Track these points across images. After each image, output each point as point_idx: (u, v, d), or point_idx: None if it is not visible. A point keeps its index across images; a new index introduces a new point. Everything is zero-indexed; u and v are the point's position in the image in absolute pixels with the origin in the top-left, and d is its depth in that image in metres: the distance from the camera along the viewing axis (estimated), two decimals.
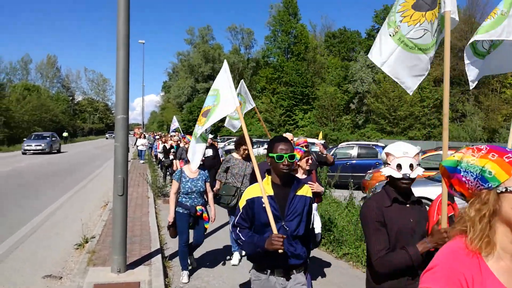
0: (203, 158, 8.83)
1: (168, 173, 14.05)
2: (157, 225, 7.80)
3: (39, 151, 27.84)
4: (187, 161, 8.84)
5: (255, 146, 26.33)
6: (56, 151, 30.58)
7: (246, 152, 5.85)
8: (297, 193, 2.61)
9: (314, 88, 53.29)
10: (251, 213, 2.60)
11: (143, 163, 20.97)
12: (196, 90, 66.81)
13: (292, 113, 52.59)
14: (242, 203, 2.64)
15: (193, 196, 5.00)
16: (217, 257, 6.07)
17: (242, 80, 7.38)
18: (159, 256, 5.71)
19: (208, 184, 5.23)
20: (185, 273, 5.12)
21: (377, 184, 10.24)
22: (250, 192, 2.65)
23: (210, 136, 10.93)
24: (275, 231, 2.48)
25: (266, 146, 17.99)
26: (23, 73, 78.68)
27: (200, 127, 4.00)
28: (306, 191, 2.68)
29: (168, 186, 11.99)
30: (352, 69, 48.90)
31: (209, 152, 9.81)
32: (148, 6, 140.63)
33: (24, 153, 28.05)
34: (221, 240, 6.94)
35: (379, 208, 2.23)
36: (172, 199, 5.00)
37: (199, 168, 4.95)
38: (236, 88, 5.20)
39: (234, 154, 6.09)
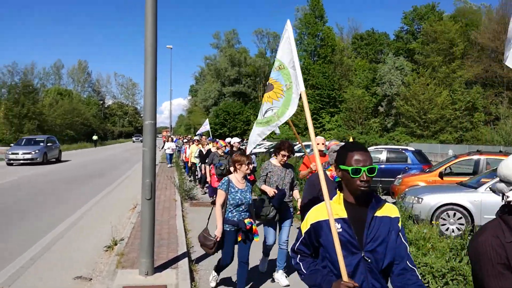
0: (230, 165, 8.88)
1: (196, 177, 14.11)
2: (184, 228, 7.87)
3: (28, 161, 21.32)
4: (217, 167, 8.68)
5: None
6: (54, 159, 24.16)
7: (285, 158, 5.41)
8: (377, 214, 2.05)
9: (341, 91, 52.78)
10: (315, 239, 2.14)
11: (170, 167, 20.86)
12: (223, 94, 67.38)
13: (319, 116, 52.20)
14: (305, 227, 2.17)
15: (241, 209, 4.49)
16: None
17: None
18: (186, 259, 5.75)
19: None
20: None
21: (406, 189, 10.01)
22: (317, 213, 2.14)
23: (237, 140, 10.70)
24: (345, 277, 1.95)
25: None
26: (55, 78, 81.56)
27: (266, 104, 3.57)
28: (389, 210, 2.11)
29: (195, 189, 12.10)
30: (381, 71, 48.15)
31: None
32: (176, 11, 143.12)
33: (9, 164, 21.54)
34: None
35: (501, 245, 1.63)
36: (219, 212, 4.41)
37: (245, 178, 4.66)
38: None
39: (272, 160, 5.61)
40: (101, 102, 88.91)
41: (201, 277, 5.41)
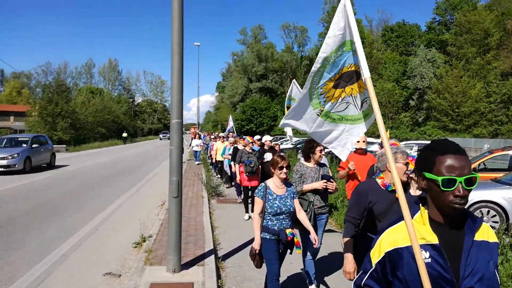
0: (261, 162, 8.51)
1: (224, 176, 13.96)
2: (211, 225, 7.91)
3: (3, 169, 16.12)
4: (247, 164, 8.36)
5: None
6: (46, 164, 19.11)
7: (321, 155, 4.90)
8: (476, 238, 1.57)
9: None
10: (391, 273, 1.62)
11: (198, 164, 20.83)
12: (250, 90, 67.44)
13: None
14: (377, 255, 1.65)
15: (281, 217, 3.98)
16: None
17: (294, 80, 6.81)
18: (213, 256, 5.77)
19: (297, 202, 4.25)
20: None
21: None
22: (394, 237, 1.63)
23: (269, 138, 9.95)
24: None
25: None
26: (87, 77, 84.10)
27: (359, 95, 3.01)
28: (487, 233, 1.62)
29: (221, 185, 12.16)
30: (412, 64, 46.90)
31: (269, 157, 8.71)
32: (203, 9, 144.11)
33: None
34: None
35: None
36: (256, 221, 3.98)
37: (284, 183, 4.10)
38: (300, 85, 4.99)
39: (303, 161, 5.11)
40: (131, 100, 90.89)
41: (227, 274, 5.41)
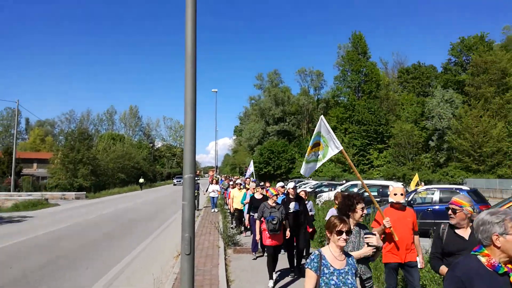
0: (286, 213, 7.84)
1: (240, 224, 13.39)
2: (226, 279, 7.66)
3: None
4: (269, 221, 7.29)
5: (326, 189, 25.48)
6: None
7: (363, 214, 4.23)
8: None
9: (388, 126, 51.57)
10: None
11: (214, 211, 19.37)
12: (267, 133, 67.92)
13: (366, 152, 50.99)
14: None
15: None
16: None
17: (322, 116, 6.37)
18: None
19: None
20: None
21: None
22: None
23: (292, 185, 8.34)
24: None
25: (338, 189, 16.80)
26: (108, 124, 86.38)
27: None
28: None
29: (238, 234, 11.92)
30: (429, 104, 46.72)
31: (294, 206, 8.00)
32: (220, 57, 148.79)
33: None
34: None
35: None
36: None
37: (344, 253, 3.28)
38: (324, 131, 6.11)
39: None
40: (151, 145, 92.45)
41: None
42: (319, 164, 6.32)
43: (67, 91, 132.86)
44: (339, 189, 23.04)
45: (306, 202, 9.01)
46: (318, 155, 6.38)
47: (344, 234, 3.14)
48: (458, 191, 13.64)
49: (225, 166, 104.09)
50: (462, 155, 41.83)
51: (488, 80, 43.89)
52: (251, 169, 21.74)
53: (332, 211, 6.99)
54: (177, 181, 62.39)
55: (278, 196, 8.08)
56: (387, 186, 18.91)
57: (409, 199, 13.66)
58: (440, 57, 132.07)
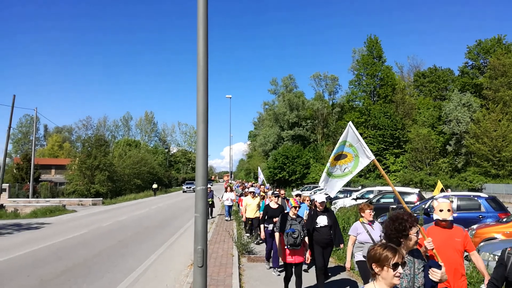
0: (314, 229, 7.26)
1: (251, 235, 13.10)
2: None
3: None
4: (289, 234, 6.62)
5: (341, 196, 25.14)
6: None
7: (418, 239, 3.51)
8: None
9: (405, 131, 50.88)
10: None
11: (228, 220, 18.84)
12: (282, 138, 67.75)
13: (382, 157, 50.35)
14: None
15: None
16: None
17: (350, 123, 6.05)
18: None
19: None
20: None
21: (481, 243, 9.05)
22: None
23: (321, 198, 7.47)
24: None
25: (354, 195, 16.49)
26: (124, 130, 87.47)
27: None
28: None
29: (253, 242, 11.88)
30: (446, 108, 45.95)
31: (323, 221, 7.27)
32: (234, 64, 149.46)
33: None
34: None
35: None
36: None
37: None
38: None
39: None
40: (167, 150, 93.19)
41: None
42: (347, 179, 5.72)
43: (84, 98, 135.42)
44: (354, 195, 22.79)
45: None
46: (345, 168, 5.73)
47: (399, 267, 2.48)
48: (476, 198, 13.36)
49: (239, 171, 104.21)
50: (480, 160, 40.98)
51: (507, 83, 43.00)
52: (261, 176, 21.54)
53: (357, 227, 6.28)
54: (186, 188, 58.81)
55: (298, 208, 7.30)
56: (405, 193, 18.65)
57: (426, 206, 13.42)
58: (457, 60, 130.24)
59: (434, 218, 4.47)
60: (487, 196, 13.45)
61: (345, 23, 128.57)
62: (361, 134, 53.76)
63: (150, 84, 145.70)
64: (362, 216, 6.33)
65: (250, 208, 13.02)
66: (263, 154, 73.60)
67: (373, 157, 5.49)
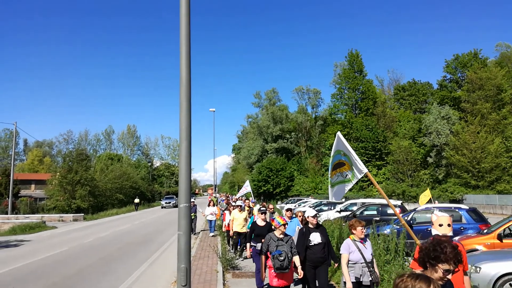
0: (306, 247, 6.84)
1: (239, 247, 12.85)
2: None
3: None
4: (275, 257, 6.16)
5: (325, 208, 25.17)
6: None
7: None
8: None
9: (386, 143, 51.66)
10: None
11: (213, 235, 18.35)
12: (266, 151, 67.92)
13: None
14: None
15: None
16: None
17: (339, 133, 5.99)
18: None
19: None
20: None
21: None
22: None
23: (312, 213, 7.11)
24: None
25: (338, 208, 16.53)
26: (107, 144, 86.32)
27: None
28: None
29: (238, 259, 11.80)
30: (426, 121, 46.94)
31: (317, 238, 6.85)
32: (218, 79, 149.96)
33: None
34: None
35: None
36: None
37: None
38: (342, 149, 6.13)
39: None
40: (150, 164, 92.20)
41: None
42: (350, 185, 5.84)
43: (65, 111, 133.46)
44: (338, 207, 22.79)
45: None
46: (346, 175, 5.85)
47: None
48: (457, 209, 13.58)
49: (224, 184, 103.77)
50: (460, 171, 41.80)
51: (484, 96, 44.21)
52: (247, 188, 20.97)
53: (349, 244, 5.81)
54: (165, 203, 53.16)
55: (286, 225, 6.72)
56: (387, 205, 18.81)
57: (408, 218, 13.58)
58: (435, 74, 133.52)
59: (433, 234, 4.22)
60: (468, 207, 13.68)
61: (327, 37, 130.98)
62: None
63: (132, 98, 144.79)
64: (353, 233, 5.83)
65: (237, 222, 12.76)
66: (247, 167, 73.52)
67: (365, 170, 5.54)
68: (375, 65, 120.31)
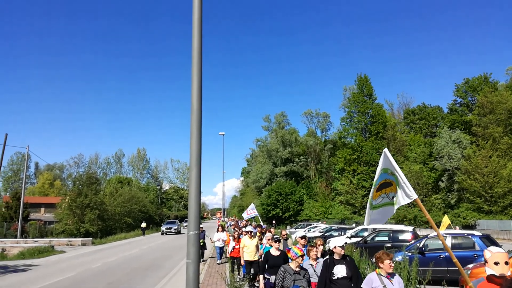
0: (331, 280, 5.88)
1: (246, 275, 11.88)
2: None
3: None
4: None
5: (335, 234, 24.73)
6: None
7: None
8: None
9: None
10: None
11: (220, 263, 17.37)
12: (275, 174, 67.66)
13: None
14: None
15: None
16: None
17: (386, 150, 5.49)
18: None
19: None
20: None
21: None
22: None
23: (341, 242, 6.22)
24: None
25: (348, 234, 16.26)
26: (117, 167, 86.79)
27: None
28: None
29: (246, 285, 11.57)
30: (437, 145, 46.54)
31: (342, 271, 5.84)
32: (227, 103, 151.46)
33: None
34: None
35: None
36: None
37: None
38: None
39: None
40: (159, 187, 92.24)
41: None
42: (396, 207, 5.07)
43: (76, 135, 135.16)
44: (348, 233, 22.40)
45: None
46: (393, 197, 5.15)
47: None
48: (470, 236, 13.28)
49: (232, 208, 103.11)
50: (473, 196, 41.10)
51: (495, 120, 43.87)
52: (254, 211, 20.28)
53: (372, 279, 5.19)
54: (166, 229, 47.42)
55: (303, 257, 6.16)
56: (399, 231, 18.44)
57: (421, 245, 13.29)
58: (445, 98, 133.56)
59: (488, 273, 3.70)
60: (481, 234, 13.40)
61: (336, 61, 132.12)
62: (354, 170, 54.36)
63: (143, 121, 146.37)
64: (379, 267, 5.19)
65: (249, 250, 11.48)
66: (256, 191, 73.16)
67: (415, 196, 4.69)
68: (385, 89, 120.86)
